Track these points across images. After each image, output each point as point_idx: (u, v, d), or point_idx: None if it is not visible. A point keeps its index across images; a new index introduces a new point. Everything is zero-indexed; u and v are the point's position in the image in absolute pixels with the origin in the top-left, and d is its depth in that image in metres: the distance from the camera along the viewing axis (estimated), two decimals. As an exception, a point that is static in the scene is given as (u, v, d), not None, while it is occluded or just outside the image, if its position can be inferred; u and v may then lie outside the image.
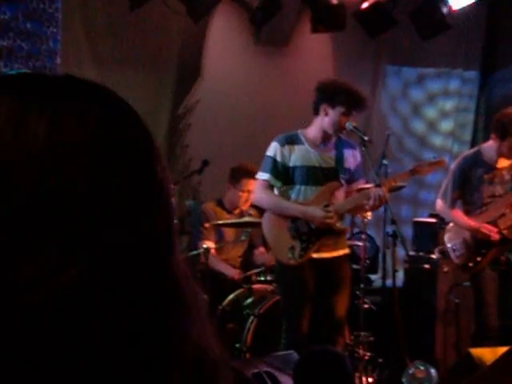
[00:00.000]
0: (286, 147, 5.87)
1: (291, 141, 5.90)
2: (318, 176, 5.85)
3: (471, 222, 6.28)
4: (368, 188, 5.79)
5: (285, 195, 5.93)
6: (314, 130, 5.92)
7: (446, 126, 10.14)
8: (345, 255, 5.98)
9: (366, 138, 5.82)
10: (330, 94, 5.81)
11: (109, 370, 0.93)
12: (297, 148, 5.88)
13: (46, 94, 0.99)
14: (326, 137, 5.89)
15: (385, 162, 6.35)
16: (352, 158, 5.90)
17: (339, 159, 5.89)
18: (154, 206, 1.00)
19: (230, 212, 7.31)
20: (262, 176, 5.95)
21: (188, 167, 8.53)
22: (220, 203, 7.36)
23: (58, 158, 0.94)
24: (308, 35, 8.95)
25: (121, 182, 0.97)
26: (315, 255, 5.83)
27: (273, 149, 5.91)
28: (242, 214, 7.26)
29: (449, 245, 6.47)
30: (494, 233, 6.19)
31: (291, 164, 5.86)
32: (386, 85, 9.91)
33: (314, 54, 9.33)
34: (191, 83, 8.76)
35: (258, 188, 6.03)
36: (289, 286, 5.92)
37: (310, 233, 5.83)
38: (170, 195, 1.04)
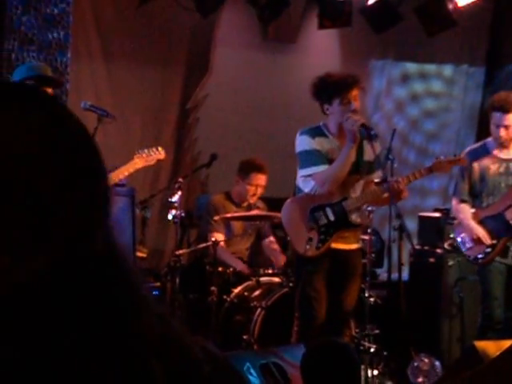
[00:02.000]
0: (317, 139, 5.80)
1: (317, 133, 5.84)
2: None
3: (472, 225, 6.32)
4: (380, 182, 5.76)
5: (299, 187, 5.93)
6: (331, 124, 5.86)
7: (450, 120, 10.12)
8: (358, 249, 5.96)
9: (372, 133, 5.80)
10: (320, 94, 5.80)
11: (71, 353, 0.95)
12: (324, 140, 5.82)
13: None
14: (342, 129, 5.79)
15: (390, 156, 6.30)
16: (371, 149, 5.82)
17: (359, 152, 5.84)
18: (98, 205, 1.02)
19: (237, 205, 7.30)
20: (309, 171, 5.79)
21: (196, 161, 8.53)
22: (228, 196, 7.35)
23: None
24: (315, 31, 8.94)
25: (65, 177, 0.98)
26: (333, 245, 5.81)
27: (306, 142, 5.81)
28: (249, 207, 7.25)
29: (459, 238, 6.48)
30: (487, 242, 6.26)
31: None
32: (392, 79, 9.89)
33: (321, 49, 9.30)
34: (200, 78, 8.75)
35: (315, 182, 5.81)
36: (306, 276, 5.82)
37: (328, 225, 5.80)
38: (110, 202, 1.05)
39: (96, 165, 1.03)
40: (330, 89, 5.73)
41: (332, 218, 5.79)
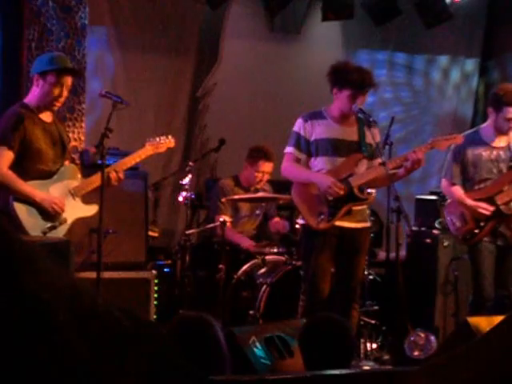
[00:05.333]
0: (309, 122, 5.84)
1: (314, 116, 5.87)
2: (341, 148, 5.81)
3: (469, 201, 6.27)
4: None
5: (309, 166, 5.92)
6: (333, 109, 5.87)
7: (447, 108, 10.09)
8: (365, 228, 5.93)
9: (371, 120, 5.81)
10: (337, 77, 5.78)
11: None
12: (320, 122, 5.84)
13: None
14: (343, 115, 5.83)
15: (389, 141, 6.27)
16: (372, 134, 5.81)
17: (361, 133, 5.83)
18: None
19: (245, 189, 7.29)
20: (287, 149, 5.94)
21: (206, 146, 8.52)
22: (237, 180, 7.34)
23: None
24: (318, 23, 8.91)
25: None
26: (338, 223, 5.80)
27: (298, 124, 5.90)
28: (256, 191, 7.24)
29: (448, 218, 6.46)
30: (489, 210, 6.20)
31: (313, 138, 5.81)
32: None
33: (324, 40, 9.27)
34: (209, 67, 8.73)
35: (284, 160, 5.99)
36: (311, 250, 5.82)
37: (336, 199, 5.78)
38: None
39: None
40: (347, 78, 5.71)
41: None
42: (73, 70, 5.63)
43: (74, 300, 0.99)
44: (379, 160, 5.82)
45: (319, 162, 5.85)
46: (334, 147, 5.80)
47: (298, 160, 5.89)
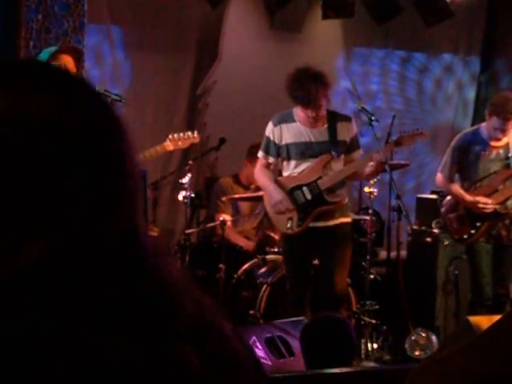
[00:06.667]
0: (278, 127, 5.84)
1: (283, 120, 5.86)
2: (312, 150, 5.77)
3: (468, 197, 6.26)
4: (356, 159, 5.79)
5: (281, 170, 5.98)
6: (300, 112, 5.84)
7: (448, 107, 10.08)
8: (342, 224, 5.84)
9: (373, 118, 5.80)
10: (286, 89, 5.78)
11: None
12: (289, 126, 5.82)
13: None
14: (307, 118, 5.80)
15: (390, 140, 6.26)
16: (346, 130, 5.79)
17: (331, 132, 5.77)
18: (115, 183, 0.93)
19: (246, 187, 7.28)
20: (259, 154, 6.02)
21: (206, 144, 8.50)
22: (236, 179, 7.33)
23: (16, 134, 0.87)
24: (319, 21, 8.89)
25: (80, 159, 0.90)
26: (311, 224, 5.79)
27: (268, 128, 5.92)
28: (257, 189, 7.23)
29: (445, 219, 6.48)
30: (489, 205, 6.18)
31: (283, 142, 5.82)
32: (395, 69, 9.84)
33: (325, 39, 9.26)
34: (209, 65, 8.72)
35: (257, 164, 6.08)
36: (286, 252, 6.00)
37: (306, 204, 5.79)
38: (135, 176, 0.97)
39: (109, 148, 0.93)
40: (292, 94, 5.73)
41: (309, 196, 5.79)
42: (68, 48, 5.60)
43: (196, 310, 0.97)
44: (359, 153, 5.85)
45: (291, 166, 5.86)
46: (303, 151, 5.78)
47: (267, 164, 5.96)
